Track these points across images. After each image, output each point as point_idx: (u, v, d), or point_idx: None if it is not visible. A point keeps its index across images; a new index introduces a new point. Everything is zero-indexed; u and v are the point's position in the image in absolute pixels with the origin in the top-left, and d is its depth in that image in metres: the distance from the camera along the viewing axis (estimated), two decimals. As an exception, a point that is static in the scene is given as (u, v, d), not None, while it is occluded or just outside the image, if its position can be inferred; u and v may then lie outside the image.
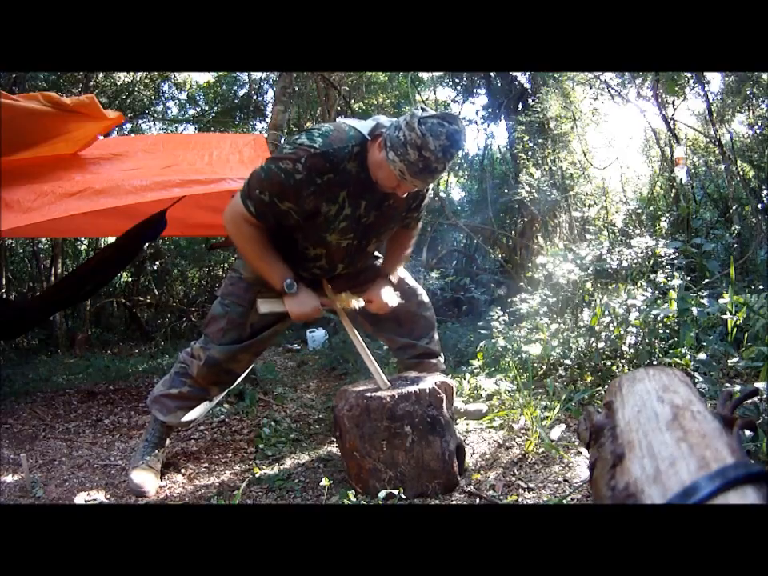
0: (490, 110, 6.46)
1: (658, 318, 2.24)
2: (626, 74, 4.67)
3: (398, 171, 1.39)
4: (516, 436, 1.91)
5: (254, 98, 8.53)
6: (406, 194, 1.55)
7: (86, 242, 7.58)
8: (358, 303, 1.73)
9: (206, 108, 9.12)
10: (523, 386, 2.14)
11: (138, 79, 7.71)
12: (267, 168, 1.48)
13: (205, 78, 8.96)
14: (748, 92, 4.56)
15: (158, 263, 7.30)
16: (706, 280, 2.94)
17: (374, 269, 1.92)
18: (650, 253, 2.90)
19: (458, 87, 7.20)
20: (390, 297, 1.75)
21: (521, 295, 3.37)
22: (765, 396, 1.41)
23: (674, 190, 4.54)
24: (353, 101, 6.71)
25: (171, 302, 7.23)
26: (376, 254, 1.94)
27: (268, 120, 6.78)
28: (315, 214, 1.53)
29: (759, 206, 4.24)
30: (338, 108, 6.16)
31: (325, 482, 1.45)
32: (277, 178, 1.45)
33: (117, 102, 7.41)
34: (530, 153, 4.72)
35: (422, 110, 1.38)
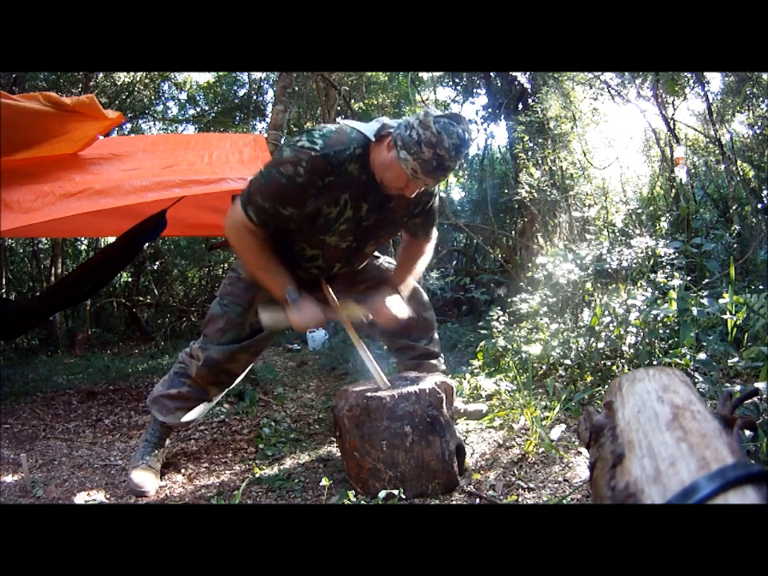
0: (489, 109, 6.45)
1: (658, 318, 2.24)
2: (626, 73, 4.66)
3: (410, 170, 1.38)
4: (516, 436, 1.91)
5: (254, 97, 8.53)
6: (407, 199, 1.54)
7: (85, 241, 7.59)
8: (364, 314, 1.68)
9: (206, 108, 9.12)
10: (523, 386, 2.14)
11: (138, 79, 7.71)
12: (268, 173, 1.46)
13: (205, 77, 8.97)
14: (748, 92, 4.56)
15: (158, 263, 7.30)
16: (706, 280, 2.94)
17: (373, 268, 1.92)
18: (650, 253, 2.90)
19: (458, 87, 7.20)
20: (398, 308, 1.69)
21: (521, 295, 3.37)
22: (765, 396, 1.41)
23: (673, 190, 4.54)
24: (353, 101, 6.70)
25: (171, 301, 7.23)
26: (375, 253, 1.94)
27: (268, 120, 6.79)
28: (316, 216, 1.52)
29: (759, 205, 4.24)
30: (338, 108, 6.16)
31: (325, 482, 1.45)
32: (278, 184, 1.44)
33: (117, 102, 7.41)
34: (529, 153, 4.72)
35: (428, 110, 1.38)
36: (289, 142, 1.49)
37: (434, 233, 1.82)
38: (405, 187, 1.46)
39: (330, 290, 1.81)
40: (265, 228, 1.54)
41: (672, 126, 4.67)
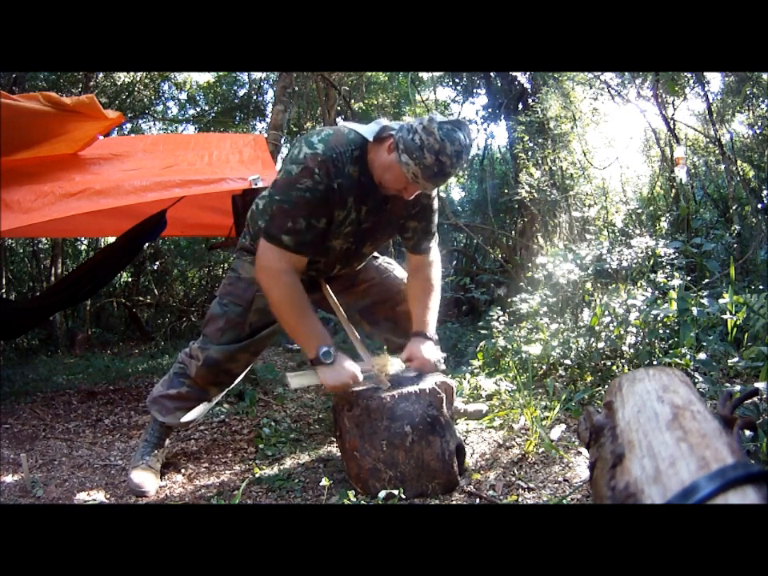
0: (489, 109, 6.45)
1: (658, 318, 2.24)
2: (626, 73, 4.67)
3: (410, 174, 1.37)
4: (516, 436, 1.91)
5: (254, 97, 8.53)
6: (405, 200, 1.53)
7: (85, 241, 7.58)
8: (398, 367, 1.63)
9: (206, 108, 9.11)
10: (523, 386, 2.14)
11: (138, 79, 7.71)
12: (287, 196, 1.42)
13: (205, 77, 8.96)
14: (748, 92, 4.56)
15: (158, 263, 7.30)
16: (706, 280, 2.94)
17: (373, 268, 1.92)
18: (650, 253, 2.90)
19: (458, 87, 7.20)
20: (430, 353, 1.64)
21: (521, 295, 3.37)
22: (765, 396, 1.41)
23: (673, 190, 4.54)
24: (353, 101, 6.70)
25: (171, 301, 7.23)
26: (374, 253, 1.94)
27: (268, 120, 6.79)
28: (330, 221, 1.51)
29: (759, 205, 4.24)
30: (338, 108, 6.15)
31: (325, 482, 1.45)
32: (304, 200, 1.41)
33: (117, 102, 7.41)
34: (529, 153, 4.72)
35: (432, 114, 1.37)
36: (289, 158, 1.45)
37: (437, 253, 1.79)
38: (403, 189, 1.46)
39: (330, 290, 1.81)
40: (305, 252, 1.49)
41: (672, 126, 4.68)
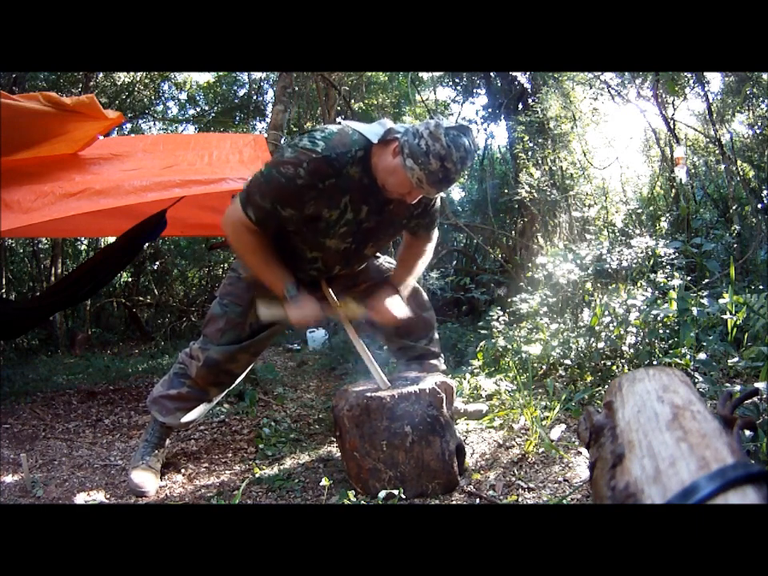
0: (489, 109, 6.45)
1: (658, 318, 2.24)
2: (626, 73, 4.67)
3: (415, 179, 1.37)
4: (516, 436, 1.91)
5: (254, 97, 8.53)
6: (408, 202, 1.54)
7: (85, 241, 7.58)
8: (362, 313, 1.69)
9: (206, 108, 9.12)
10: (523, 386, 2.14)
11: (138, 79, 7.71)
12: (268, 173, 1.45)
13: (205, 77, 8.97)
14: (748, 92, 4.56)
15: (158, 263, 7.30)
16: (706, 280, 2.94)
17: (373, 268, 1.92)
18: (650, 253, 2.90)
19: (458, 87, 7.20)
20: (397, 308, 1.68)
21: (521, 295, 3.37)
22: (765, 396, 1.41)
23: (673, 190, 4.54)
24: (353, 101, 6.70)
25: (171, 301, 7.23)
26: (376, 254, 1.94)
27: (268, 120, 6.79)
28: (316, 218, 1.51)
29: (759, 205, 4.24)
30: (338, 108, 6.15)
31: (325, 482, 1.45)
32: (278, 184, 1.43)
33: (117, 102, 7.41)
34: (530, 153, 4.72)
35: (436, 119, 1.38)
36: (290, 142, 1.48)
37: (435, 233, 1.80)
38: (407, 194, 1.46)
39: (330, 290, 1.81)
40: (264, 228, 1.53)
41: (672, 126, 4.68)
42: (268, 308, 1.64)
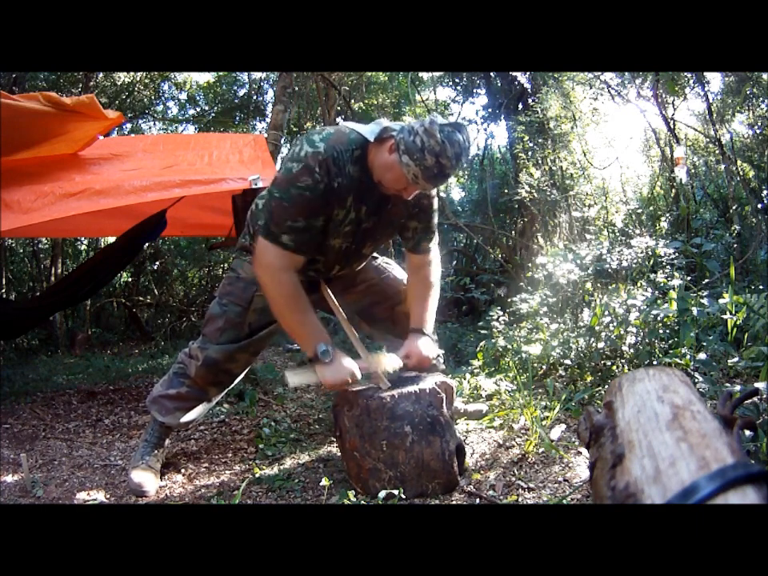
0: (489, 109, 6.46)
1: (658, 318, 2.24)
2: (626, 73, 4.67)
3: (411, 175, 1.39)
4: (516, 436, 1.91)
5: (254, 97, 8.53)
6: (405, 200, 1.54)
7: (85, 241, 7.59)
8: (396, 365, 1.63)
9: (206, 108, 9.12)
10: (523, 386, 2.14)
11: (138, 79, 7.72)
12: (287, 194, 1.43)
13: (205, 77, 8.97)
14: (748, 92, 4.56)
15: (158, 263, 7.30)
16: (706, 280, 2.94)
17: (372, 268, 1.92)
18: (650, 253, 2.90)
19: (458, 87, 7.20)
20: (428, 349, 1.64)
21: (521, 295, 3.37)
22: (765, 396, 1.41)
23: (673, 190, 4.55)
24: (353, 101, 6.70)
25: (171, 301, 7.23)
26: (374, 254, 1.94)
27: (268, 120, 6.79)
28: (328, 219, 1.52)
29: (759, 205, 4.25)
30: (338, 108, 6.15)
31: (325, 481, 1.45)
32: (303, 198, 1.42)
33: (117, 102, 7.41)
34: (529, 153, 4.72)
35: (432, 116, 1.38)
36: (290, 156, 1.46)
37: (435, 246, 1.79)
38: (403, 190, 1.47)
39: (329, 291, 1.81)
40: (303, 251, 1.50)
41: (672, 126, 4.68)
42: (296, 374, 1.57)
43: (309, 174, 1.40)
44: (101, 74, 7.04)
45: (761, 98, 4.64)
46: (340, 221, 1.53)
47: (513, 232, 5.54)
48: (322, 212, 1.47)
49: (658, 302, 2.36)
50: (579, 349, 2.53)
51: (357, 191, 1.50)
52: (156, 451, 1.83)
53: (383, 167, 1.45)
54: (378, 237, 1.70)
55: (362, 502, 1.47)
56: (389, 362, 1.63)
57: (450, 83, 7.35)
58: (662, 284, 2.54)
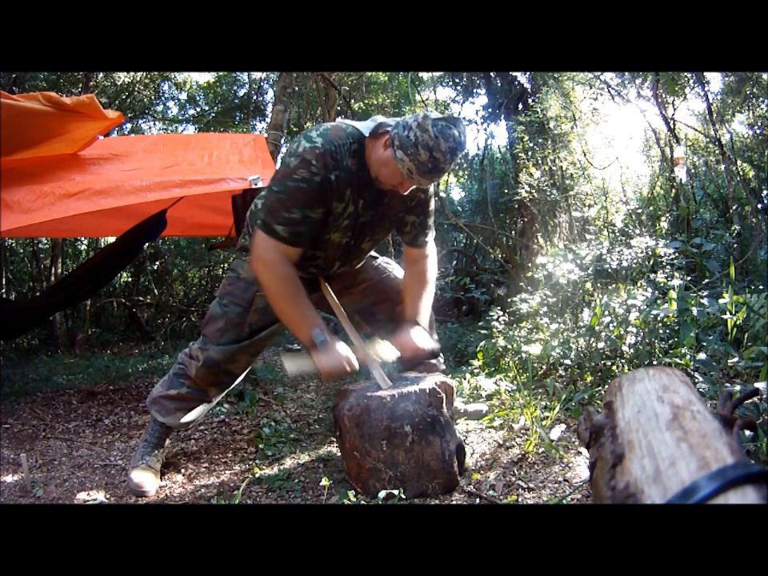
0: (489, 109, 6.46)
1: (658, 318, 2.24)
2: (626, 73, 4.67)
3: (405, 170, 1.40)
4: (516, 436, 1.91)
5: (254, 97, 8.53)
6: (402, 195, 1.55)
7: (85, 241, 7.58)
8: (391, 353, 1.64)
9: (206, 108, 9.11)
10: (523, 386, 2.14)
11: (138, 79, 7.71)
12: (284, 187, 1.45)
13: (205, 77, 8.96)
14: (748, 92, 4.56)
15: (157, 263, 7.30)
16: (706, 280, 2.94)
17: (372, 268, 1.92)
18: (650, 253, 2.90)
19: (458, 87, 7.20)
20: (422, 340, 1.64)
21: (521, 295, 3.37)
22: (765, 396, 1.41)
23: (673, 190, 4.55)
24: (353, 101, 6.70)
25: (171, 301, 7.22)
26: (373, 253, 1.94)
27: (268, 120, 6.78)
28: (328, 213, 1.53)
29: (759, 205, 4.25)
30: (338, 108, 6.15)
31: (325, 481, 1.45)
32: (299, 190, 1.43)
33: (117, 102, 7.41)
34: (529, 153, 4.72)
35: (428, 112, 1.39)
36: (288, 152, 1.49)
37: (432, 243, 1.79)
38: (399, 185, 1.49)
39: (329, 288, 1.81)
40: (300, 243, 1.51)
41: (672, 126, 4.68)
42: (294, 360, 1.58)
43: (305, 167, 1.42)
44: (101, 74, 7.04)
45: (761, 98, 4.64)
46: (339, 214, 1.55)
47: (513, 232, 5.54)
48: (319, 204, 1.48)
49: (658, 302, 2.36)
50: (579, 349, 2.53)
51: (355, 185, 1.51)
52: (156, 451, 1.83)
53: (379, 162, 1.47)
54: (377, 231, 1.71)
55: (362, 501, 1.47)
56: (384, 351, 1.65)
57: (450, 83, 7.36)
58: (661, 284, 2.54)
